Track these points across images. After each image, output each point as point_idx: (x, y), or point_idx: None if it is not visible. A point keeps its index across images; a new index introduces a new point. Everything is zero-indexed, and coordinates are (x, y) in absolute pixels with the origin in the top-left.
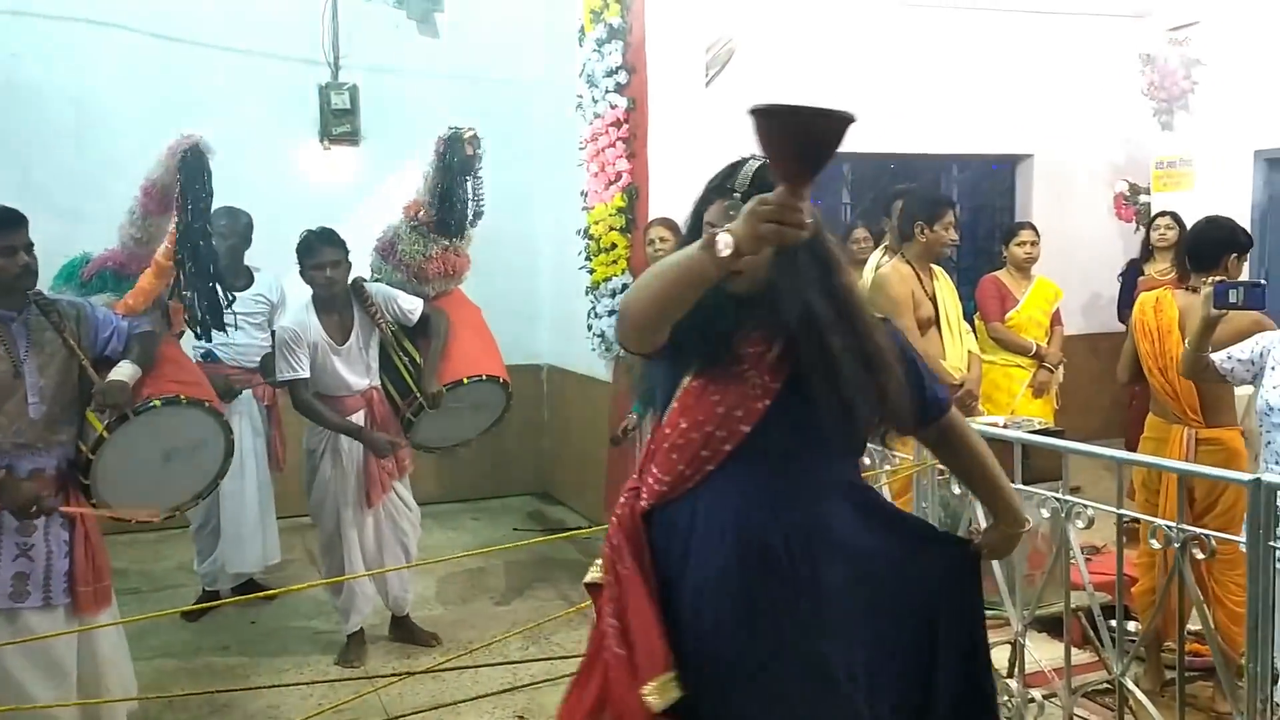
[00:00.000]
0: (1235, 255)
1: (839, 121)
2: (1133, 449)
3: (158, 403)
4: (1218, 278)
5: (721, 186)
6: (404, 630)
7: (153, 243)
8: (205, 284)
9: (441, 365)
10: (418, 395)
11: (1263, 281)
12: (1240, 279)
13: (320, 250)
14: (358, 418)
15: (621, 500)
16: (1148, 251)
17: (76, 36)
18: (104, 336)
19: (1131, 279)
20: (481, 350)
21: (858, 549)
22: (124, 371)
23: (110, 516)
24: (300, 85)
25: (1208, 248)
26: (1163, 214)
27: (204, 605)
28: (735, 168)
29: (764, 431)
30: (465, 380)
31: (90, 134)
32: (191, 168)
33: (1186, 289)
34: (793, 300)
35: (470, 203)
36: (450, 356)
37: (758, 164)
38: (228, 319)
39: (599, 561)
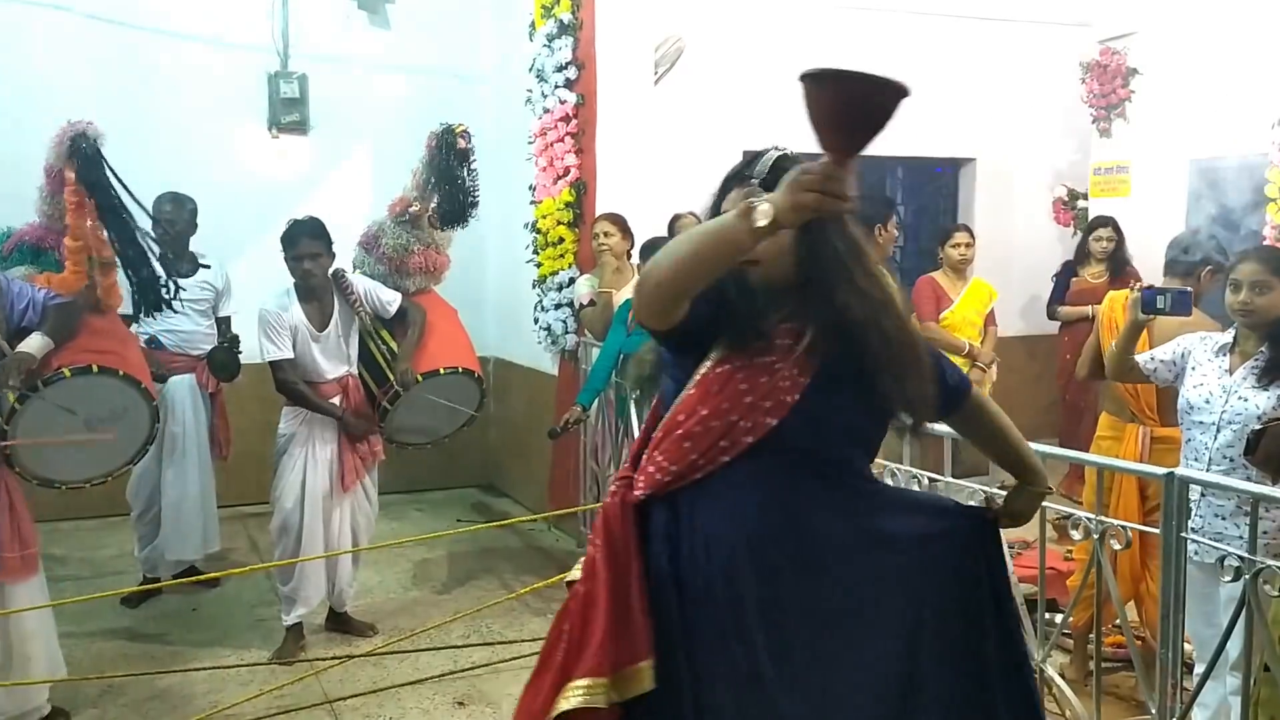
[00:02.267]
0: (1210, 270)
1: (894, 93)
2: (1069, 445)
3: (67, 372)
4: (1146, 284)
5: (739, 174)
6: (340, 623)
7: (62, 218)
8: (142, 266)
9: (417, 355)
10: (394, 383)
11: (1189, 289)
12: (1168, 286)
13: (299, 242)
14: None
15: (611, 490)
16: (1083, 255)
17: (17, 18)
18: (19, 309)
19: (1065, 279)
20: (457, 345)
21: (874, 542)
22: (33, 344)
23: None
24: (249, 73)
25: (1183, 258)
26: (1103, 223)
27: (145, 588)
28: (755, 157)
29: (788, 426)
30: (442, 370)
31: (32, 118)
32: (84, 157)
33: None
34: (828, 293)
35: (469, 193)
36: (427, 348)
37: (778, 154)
38: (175, 305)
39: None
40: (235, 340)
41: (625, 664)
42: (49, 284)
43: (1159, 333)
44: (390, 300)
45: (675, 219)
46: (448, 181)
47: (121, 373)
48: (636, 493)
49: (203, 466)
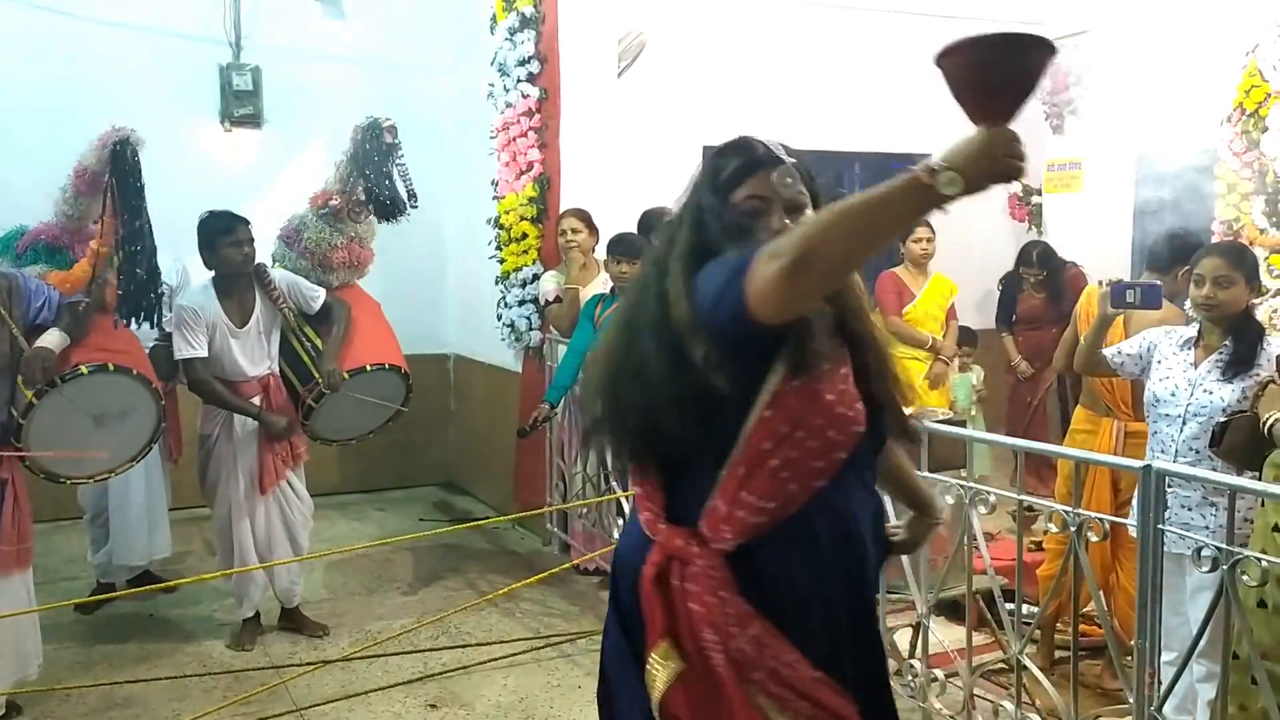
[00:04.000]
0: (1187, 269)
1: (1045, 50)
2: (1037, 438)
3: (85, 369)
4: (1115, 278)
5: (758, 159)
6: (293, 621)
7: (84, 219)
8: (146, 279)
9: (343, 351)
10: (318, 381)
11: (1158, 282)
12: (1137, 280)
13: (236, 228)
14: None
15: (652, 563)
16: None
17: None
18: (35, 306)
19: (1010, 294)
20: (383, 341)
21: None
22: (51, 339)
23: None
24: (201, 65)
25: (1165, 254)
26: (1026, 259)
27: (99, 598)
28: (752, 142)
29: (869, 431)
30: (368, 367)
31: None
32: (122, 161)
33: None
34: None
35: (403, 184)
36: (353, 344)
37: (772, 139)
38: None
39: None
40: None
41: None
42: (57, 281)
43: (1135, 325)
44: (314, 296)
45: (658, 213)
46: (378, 176)
47: (135, 372)
48: (721, 547)
49: (151, 470)
